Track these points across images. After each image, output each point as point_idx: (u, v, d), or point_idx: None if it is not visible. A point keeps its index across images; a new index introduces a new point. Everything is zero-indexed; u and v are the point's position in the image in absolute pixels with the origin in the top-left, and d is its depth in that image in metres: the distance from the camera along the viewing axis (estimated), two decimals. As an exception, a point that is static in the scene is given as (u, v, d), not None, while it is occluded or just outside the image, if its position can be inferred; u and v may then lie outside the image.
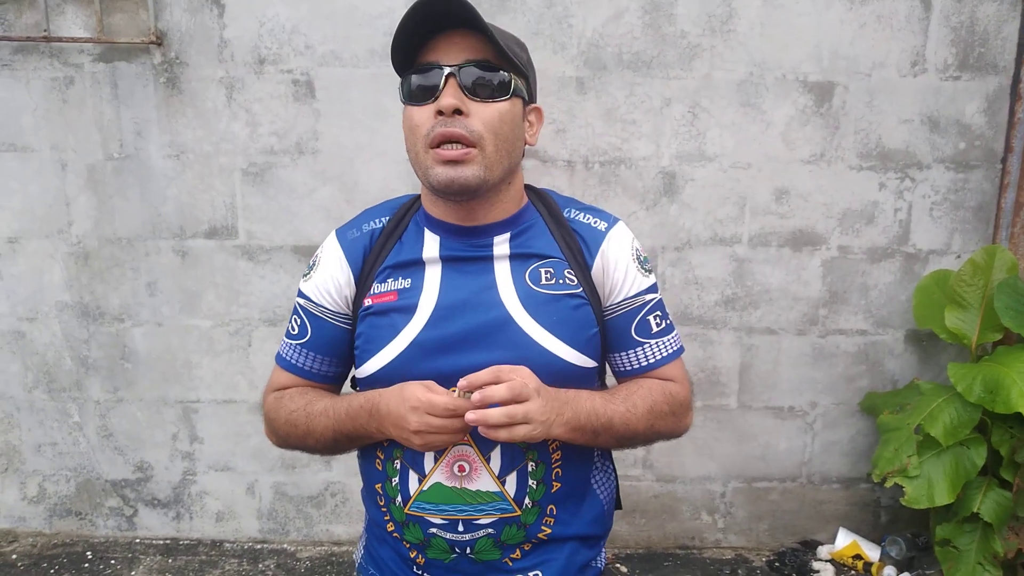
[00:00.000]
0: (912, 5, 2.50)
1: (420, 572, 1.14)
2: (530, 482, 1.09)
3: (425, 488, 1.09)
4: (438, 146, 1.03)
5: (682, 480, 2.87)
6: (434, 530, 1.09)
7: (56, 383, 2.81)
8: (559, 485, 1.12)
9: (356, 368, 1.16)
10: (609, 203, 2.61)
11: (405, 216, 1.17)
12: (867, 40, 2.53)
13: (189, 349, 2.77)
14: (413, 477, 1.10)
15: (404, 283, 1.11)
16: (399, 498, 1.11)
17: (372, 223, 1.18)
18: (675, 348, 1.20)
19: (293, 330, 1.20)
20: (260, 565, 2.78)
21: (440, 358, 1.07)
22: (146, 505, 2.91)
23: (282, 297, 2.71)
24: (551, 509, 1.12)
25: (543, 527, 1.12)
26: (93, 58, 2.55)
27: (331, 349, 1.18)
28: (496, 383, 0.97)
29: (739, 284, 2.71)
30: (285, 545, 2.91)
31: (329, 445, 1.14)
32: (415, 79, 1.06)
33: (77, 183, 2.64)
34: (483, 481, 1.08)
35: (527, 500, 1.10)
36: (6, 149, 2.61)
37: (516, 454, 1.09)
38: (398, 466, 1.11)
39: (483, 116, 1.04)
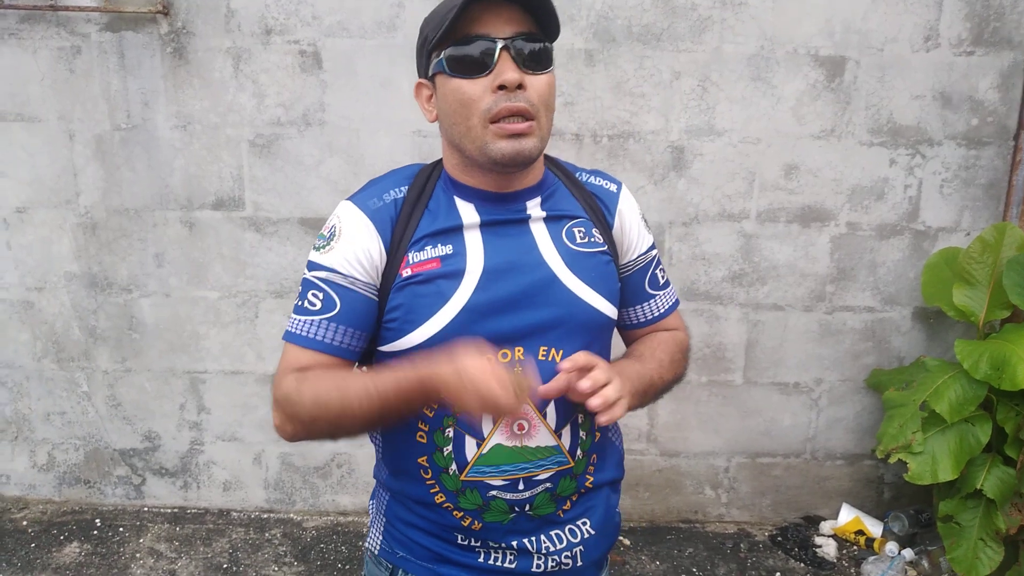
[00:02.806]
0: (927, -22, 2.47)
1: (467, 540, 1.14)
2: (580, 433, 1.15)
3: (485, 451, 1.10)
4: (499, 120, 1.04)
5: (686, 455, 2.89)
6: (494, 492, 1.11)
7: (65, 353, 2.83)
8: (599, 434, 1.19)
9: (389, 342, 1.12)
10: (617, 177, 2.59)
11: (426, 185, 1.15)
12: (880, 14, 2.49)
13: (196, 320, 2.78)
14: (470, 443, 1.10)
15: (445, 249, 1.10)
16: (453, 466, 1.11)
17: (392, 192, 1.14)
18: (675, 298, 1.32)
19: (313, 305, 1.10)
20: (267, 534, 2.81)
21: (492, 320, 1.08)
22: (154, 474, 2.94)
23: (289, 269, 2.72)
24: (593, 458, 1.18)
25: (587, 476, 1.18)
26: (100, 27, 2.54)
27: (363, 322, 1.12)
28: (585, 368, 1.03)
29: (746, 260, 2.70)
30: (291, 515, 2.94)
31: (363, 427, 1.09)
32: (463, 51, 1.04)
33: (85, 153, 2.64)
34: (541, 436, 1.11)
35: (579, 451, 1.15)
36: (14, 119, 2.61)
37: (569, 408, 1.12)
38: (451, 434, 1.10)
39: (537, 88, 1.05)
